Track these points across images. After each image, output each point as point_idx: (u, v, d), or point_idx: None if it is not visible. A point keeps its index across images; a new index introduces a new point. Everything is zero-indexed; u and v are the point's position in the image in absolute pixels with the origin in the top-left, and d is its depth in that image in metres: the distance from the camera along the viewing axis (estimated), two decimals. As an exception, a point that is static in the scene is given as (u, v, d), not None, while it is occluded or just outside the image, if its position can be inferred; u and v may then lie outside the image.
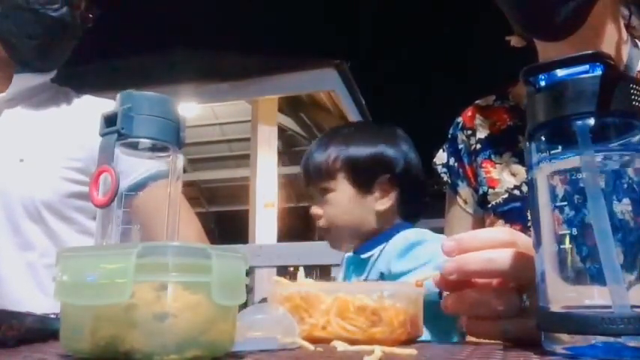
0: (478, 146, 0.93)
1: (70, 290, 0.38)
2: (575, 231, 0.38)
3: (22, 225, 0.91)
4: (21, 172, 0.92)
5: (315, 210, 1.09)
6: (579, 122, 0.38)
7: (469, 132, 0.95)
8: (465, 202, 0.95)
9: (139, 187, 0.79)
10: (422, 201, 1.12)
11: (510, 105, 0.93)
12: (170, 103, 0.48)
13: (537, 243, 0.41)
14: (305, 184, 1.14)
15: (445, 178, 0.98)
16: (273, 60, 5.89)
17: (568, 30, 0.76)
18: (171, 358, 0.35)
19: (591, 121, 0.38)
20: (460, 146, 0.96)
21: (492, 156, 0.90)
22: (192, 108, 5.79)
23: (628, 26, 0.85)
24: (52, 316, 0.51)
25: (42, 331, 0.49)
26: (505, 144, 0.89)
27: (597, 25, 0.79)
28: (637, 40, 0.85)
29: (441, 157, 1.00)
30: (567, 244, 0.38)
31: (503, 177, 0.87)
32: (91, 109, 0.99)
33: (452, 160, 0.98)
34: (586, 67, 0.39)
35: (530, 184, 0.42)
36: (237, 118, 6.97)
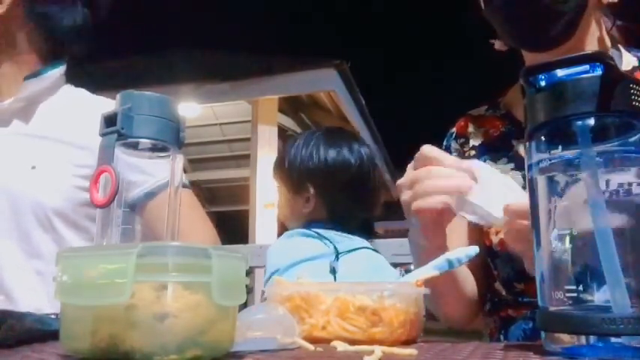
0: (472, 152, 0.94)
1: (70, 290, 0.38)
2: (575, 231, 0.38)
3: (32, 233, 0.89)
4: (33, 180, 0.91)
5: None
6: (579, 122, 0.38)
7: (462, 140, 0.97)
8: None
9: (149, 195, 0.79)
10: (356, 204, 1.21)
11: (502, 113, 0.94)
12: (170, 103, 0.48)
13: (537, 243, 0.41)
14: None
15: None
16: (273, 60, 5.88)
17: (558, 43, 0.78)
18: (171, 358, 0.35)
19: (591, 121, 0.38)
20: (453, 154, 0.97)
21: (488, 161, 0.91)
22: (192, 108, 5.79)
23: (609, 32, 0.87)
24: (52, 316, 0.51)
25: (42, 331, 0.49)
26: (500, 149, 0.90)
27: (583, 33, 0.81)
28: (619, 45, 0.87)
29: None
30: (567, 244, 0.38)
31: None
32: (101, 110, 0.98)
33: None
34: (586, 67, 0.39)
35: (530, 184, 0.42)
36: (237, 118, 6.96)
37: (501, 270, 0.88)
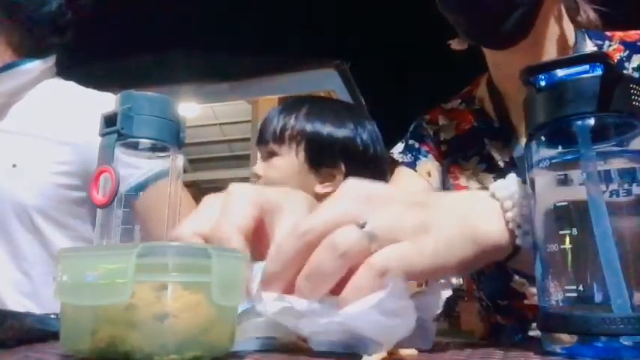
0: (444, 147, 0.91)
1: (70, 290, 0.38)
2: (575, 231, 0.38)
3: (16, 233, 0.88)
4: (13, 179, 0.89)
5: (256, 169, 1.05)
6: (579, 122, 0.38)
7: (436, 127, 0.94)
8: (429, 175, 0.90)
9: (140, 188, 0.78)
10: None
11: (475, 108, 0.91)
12: (170, 103, 0.48)
13: (537, 243, 0.41)
14: (257, 143, 1.10)
15: (401, 159, 0.93)
16: (273, 60, 5.89)
17: (515, 38, 0.75)
18: (171, 358, 0.35)
19: (591, 121, 0.38)
20: (424, 133, 0.94)
21: (460, 160, 0.88)
22: (192, 108, 5.79)
23: (574, 18, 0.83)
24: (52, 316, 0.51)
25: (42, 331, 0.49)
26: (471, 146, 0.87)
27: (542, 27, 0.78)
28: (584, 30, 0.83)
29: (399, 146, 0.97)
30: (567, 244, 0.38)
31: (471, 185, 0.85)
32: (85, 103, 0.94)
33: (412, 142, 0.94)
34: (586, 67, 0.39)
35: (530, 184, 0.42)
36: (237, 118, 6.98)
37: (485, 286, 0.87)
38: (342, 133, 1.02)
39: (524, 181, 0.44)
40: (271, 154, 1.03)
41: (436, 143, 0.93)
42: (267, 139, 1.04)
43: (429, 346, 0.42)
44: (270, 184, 1.00)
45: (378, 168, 1.05)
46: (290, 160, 1.02)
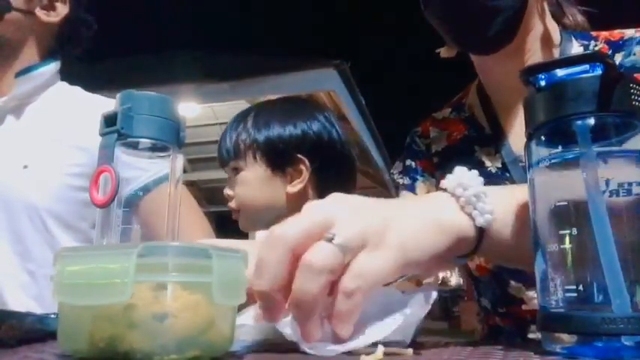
0: (435, 159, 0.92)
1: (70, 290, 0.38)
2: (575, 231, 0.38)
3: (25, 234, 0.88)
4: (25, 180, 0.89)
5: (227, 191, 1.04)
6: (579, 122, 0.38)
7: (427, 141, 0.94)
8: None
9: (144, 190, 0.78)
10: (345, 185, 1.01)
11: (466, 116, 0.91)
12: (170, 103, 0.48)
13: (537, 243, 0.41)
14: (220, 166, 1.08)
15: (402, 181, 0.95)
16: (273, 60, 5.89)
17: (500, 43, 0.74)
18: (171, 358, 0.35)
19: (591, 121, 0.38)
20: (417, 149, 0.95)
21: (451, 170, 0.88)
22: (192, 108, 5.79)
23: (560, 21, 0.83)
24: (52, 316, 0.51)
25: (42, 331, 0.49)
26: (463, 155, 0.87)
27: (527, 28, 0.77)
28: (569, 31, 0.83)
29: (398, 166, 0.98)
30: (567, 244, 0.38)
31: None
32: (94, 109, 0.96)
33: (408, 161, 0.95)
34: (586, 67, 0.39)
35: (530, 183, 0.42)
36: (237, 118, 6.95)
37: (484, 293, 0.87)
38: (289, 131, 1.00)
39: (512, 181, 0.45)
40: (236, 171, 1.02)
41: (428, 158, 0.93)
42: (226, 158, 1.04)
43: (408, 342, 0.43)
44: (243, 201, 1.01)
45: (338, 154, 1.03)
46: (254, 170, 1.01)
